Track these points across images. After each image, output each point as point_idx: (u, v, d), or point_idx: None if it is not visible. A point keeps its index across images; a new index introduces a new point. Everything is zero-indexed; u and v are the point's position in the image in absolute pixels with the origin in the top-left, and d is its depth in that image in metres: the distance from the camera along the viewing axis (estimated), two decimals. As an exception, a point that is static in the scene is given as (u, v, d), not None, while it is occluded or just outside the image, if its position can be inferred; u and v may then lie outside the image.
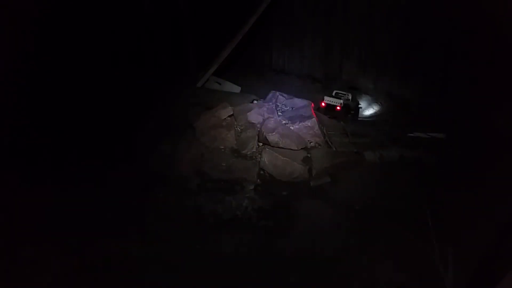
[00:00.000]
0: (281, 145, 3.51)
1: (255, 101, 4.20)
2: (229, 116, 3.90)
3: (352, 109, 4.61)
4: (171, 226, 2.68)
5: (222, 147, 3.62)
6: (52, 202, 2.83)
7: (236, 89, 4.75)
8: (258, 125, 3.77)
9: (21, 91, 3.68)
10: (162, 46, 5.53)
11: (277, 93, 4.08)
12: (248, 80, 5.34)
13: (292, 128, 3.69)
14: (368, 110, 4.98)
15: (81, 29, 4.79)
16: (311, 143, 3.65)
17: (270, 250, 2.48)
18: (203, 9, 5.68)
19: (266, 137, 3.54)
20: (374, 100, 5.06)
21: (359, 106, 4.81)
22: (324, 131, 3.81)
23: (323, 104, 4.26)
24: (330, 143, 3.69)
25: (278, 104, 3.95)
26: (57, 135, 3.68)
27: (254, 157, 3.50)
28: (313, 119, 3.72)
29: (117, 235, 2.56)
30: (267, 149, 3.47)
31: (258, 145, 3.64)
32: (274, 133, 3.55)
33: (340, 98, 4.40)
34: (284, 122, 3.75)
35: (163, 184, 3.14)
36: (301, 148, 3.56)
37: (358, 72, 5.20)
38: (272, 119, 3.76)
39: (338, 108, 4.28)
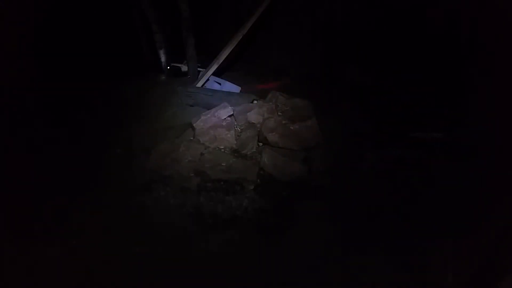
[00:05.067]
0: (281, 145, 3.50)
1: (255, 101, 4.19)
2: (229, 116, 3.89)
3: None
4: (171, 226, 2.68)
5: (222, 147, 3.61)
6: (53, 206, 2.84)
7: (236, 89, 4.75)
8: (258, 125, 3.76)
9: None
10: (161, 46, 5.55)
11: (277, 93, 4.07)
12: (248, 80, 5.33)
13: (292, 128, 3.68)
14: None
15: (79, 28, 4.79)
16: (311, 143, 3.64)
17: (270, 250, 2.48)
18: (203, 10, 5.69)
19: (266, 137, 3.53)
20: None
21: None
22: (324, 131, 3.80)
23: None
24: (329, 143, 3.68)
25: (278, 104, 3.93)
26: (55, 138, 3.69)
27: (254, 157, 3.49)
28: (313, 119, 3.72)
29: (117, 235, 2.56)
30: (267, 149, 3.46)
31: (258, 145, 3.63)
32: (274, 133, 3.54)
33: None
34: (284, 122, 3.74)
35: (163, 184, 3.13)
36: (301, 148, 3.55)
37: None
38: (272, 119, 3.75)
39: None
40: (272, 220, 2.76)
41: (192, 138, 3.71)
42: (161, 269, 2.29)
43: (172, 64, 5.65)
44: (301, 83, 5.15)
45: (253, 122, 3.81)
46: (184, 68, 5.61)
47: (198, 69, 5.35)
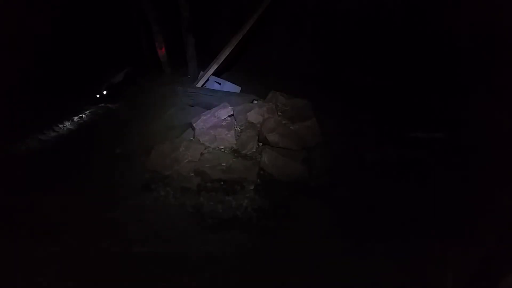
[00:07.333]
0: (281, 145, 3.50)
1: (255, 101, 4.19)
2: (229, 116, 3.89)
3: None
4: (171, 226, 2.68)
5: (222, 147, 3.61)
6: (53, 205, 2.84)
7: (236, 89, 4.74)
8: (258, 125, 3.77)
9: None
10: (161, 45, 5.54)
11: (277, 93, 4.07)
12: (248, 80, 5.33)
13: (292, 128, 3.68)
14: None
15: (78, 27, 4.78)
16: (311, 143, 3.64)
17: (270, 250, 2.48)
18: (203, 9, 5.69)
19: (266, 137, 3.53)
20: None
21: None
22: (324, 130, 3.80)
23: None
24: (329, 143, 3.68)
25: (278, 104, 3.93)
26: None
27: (254, 157, 3.49)
28: (313, 119, 3.72)
29: (117, 235, 2.56)
30: (267, 149, 3.46)
31: (258, 145, 3.64)
32: (274, 133, 3.54)
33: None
34: (284, 122, 3.74)
35: (163, 184, 3.14)
36: (301, 148, 3.55)
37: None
38: (272, 119, 3.75)
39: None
40: (272, 220, 2.76)
41: (192, 138, 3.71)
42: (161, 269, 2.29)
43: (110, 81, 5.03)
44: (301, 83, 5.14)
45: (253, 122, 3.81)
46: (119, 78, 5.16)
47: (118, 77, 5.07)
